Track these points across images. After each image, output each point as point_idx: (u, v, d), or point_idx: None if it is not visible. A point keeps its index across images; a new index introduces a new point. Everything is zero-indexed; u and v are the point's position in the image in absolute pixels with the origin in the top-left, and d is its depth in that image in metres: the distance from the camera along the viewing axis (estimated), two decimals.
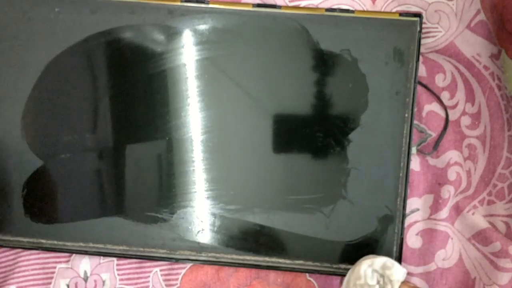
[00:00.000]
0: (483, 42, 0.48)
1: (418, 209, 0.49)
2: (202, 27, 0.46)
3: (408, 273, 0.49)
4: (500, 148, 0.48)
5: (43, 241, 0.48)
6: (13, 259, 0.50)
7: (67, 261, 0.50)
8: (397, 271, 0.42)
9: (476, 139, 0.49)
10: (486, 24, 0.47)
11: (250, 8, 0.45)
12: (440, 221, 0.49)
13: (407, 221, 0.48)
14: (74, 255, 0.50)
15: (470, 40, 0.48)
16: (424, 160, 0.49)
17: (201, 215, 0.48)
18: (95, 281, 0.50)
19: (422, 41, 0.47)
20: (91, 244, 0.48)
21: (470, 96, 0.48)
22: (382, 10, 0.48)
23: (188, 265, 0.50)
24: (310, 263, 0.47)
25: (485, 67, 0.48)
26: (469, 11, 0.47)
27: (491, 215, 0.49)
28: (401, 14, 0.45)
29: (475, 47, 0.48)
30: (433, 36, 0.48)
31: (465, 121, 0.49)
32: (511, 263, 0.47)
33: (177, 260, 0.48)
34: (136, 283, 0.50)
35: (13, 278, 0.49)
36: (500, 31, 0.45)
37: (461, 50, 0.48)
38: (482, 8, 0.47)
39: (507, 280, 0.47)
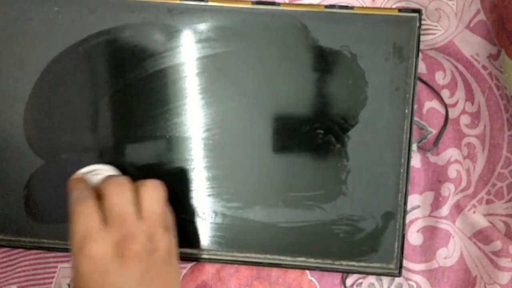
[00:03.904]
0: (482, 42, 0.48)
1: (418, 206, 0.49)
2: (202, 25, 0.46)
3: (410, 270, 0.49)
4: (499, 148, 0.48)
5: (44, 240, 0.48)
6: (14, 259, 0.50)
7: (68, 261, 0.50)
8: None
9: (475, 138, 0.49)
10: (485, 24, 0.47)
11: (249, 6, 0.45)
12: (441, 219, 0.49)
13: (408, 218, 0.48)
14: None
15: (469, 39, 0.48)
16: (424, 157, 0.49)
17: (202, 213, 0.48)
18: None
19: (421, 38, 0.47)
20: None
21: (470, 95, 0.49)
22: (382, 6, 0.48)
23: (189, 265, 0.49)
24: (312, 260, 0.47)
25: (484, 67, 0.48)
26: (469, 11, 0.47)
27: (490, 214, 0.49)
28: (400, 9, 0.45)
29: (474, 47, 0.48)
30: (432, 34, 0.48)
31: (465, 120, 0.49)
32: (511, 263, 0.47)
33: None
34: None
35: (14, 278, 0.49)
36: (500, 31, 0.45)
37: (460, 49, 0.48)
38: (482, 8, 0.47)
39: (508, 279, 0.47)
